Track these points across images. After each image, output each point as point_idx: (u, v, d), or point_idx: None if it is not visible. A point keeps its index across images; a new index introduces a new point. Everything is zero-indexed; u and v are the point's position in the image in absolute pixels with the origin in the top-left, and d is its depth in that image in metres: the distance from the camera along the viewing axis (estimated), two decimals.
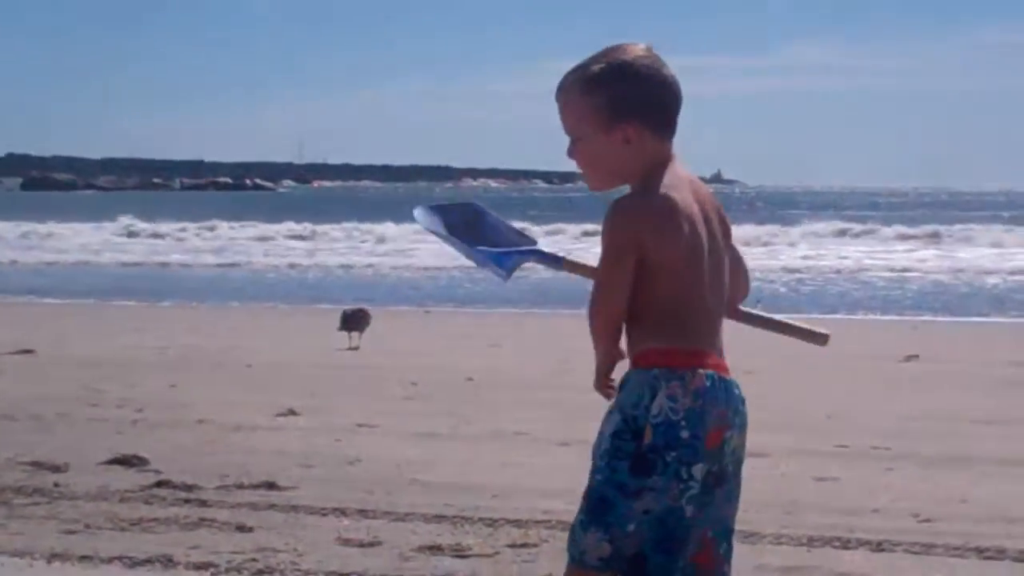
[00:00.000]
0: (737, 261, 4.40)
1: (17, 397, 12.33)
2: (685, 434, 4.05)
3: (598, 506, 4.08)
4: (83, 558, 7.00)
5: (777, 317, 4.74)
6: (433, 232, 4.62)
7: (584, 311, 4.24)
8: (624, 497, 4.04)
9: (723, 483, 4.16)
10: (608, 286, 4.15)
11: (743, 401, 4.25)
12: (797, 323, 4.73)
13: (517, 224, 4.90)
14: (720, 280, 4.27)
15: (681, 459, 4.04)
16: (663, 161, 4.20)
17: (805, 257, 41.83)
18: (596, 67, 4.18)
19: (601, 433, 4.15)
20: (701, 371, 4.12)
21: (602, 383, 4.24)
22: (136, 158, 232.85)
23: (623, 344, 4.21)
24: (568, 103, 4.23)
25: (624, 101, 4.15)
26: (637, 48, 4.21)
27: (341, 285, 32.51)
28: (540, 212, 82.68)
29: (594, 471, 4.13)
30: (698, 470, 4.06)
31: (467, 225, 4.64)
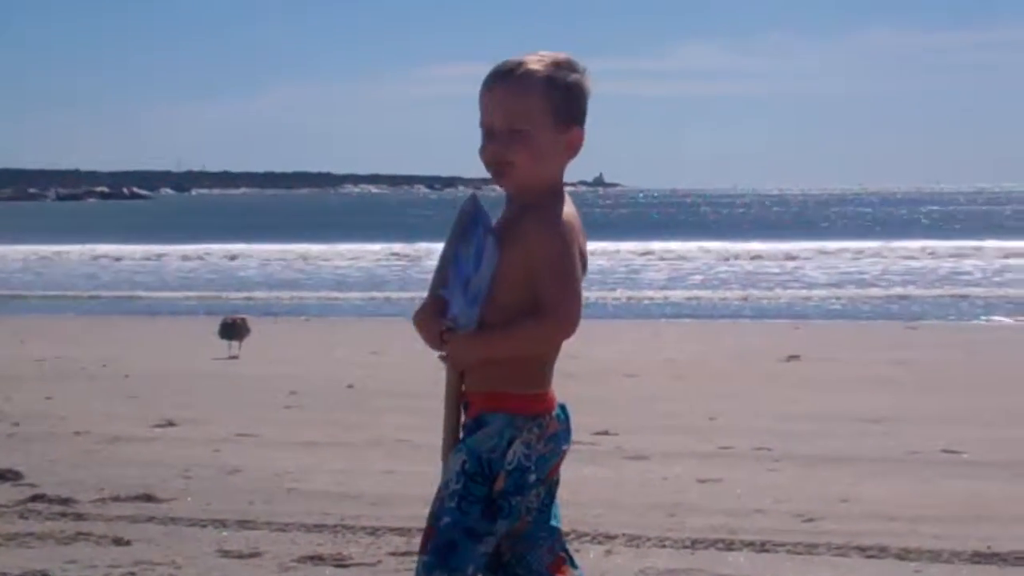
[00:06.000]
0: None
1: None
2: (532, 478, 4.07)
3: (444, 549, 4.04)
4: None
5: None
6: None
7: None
8: (471, 541, 4.03)
9: (548, 504, 4.19)
10: (577, 294, 4.01)
11: (569, 419, 4.23)
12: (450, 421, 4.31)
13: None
14: None
15: (524, 503, 4.08)
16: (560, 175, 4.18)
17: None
18: (557, 66, 4.11)
19: (449, 469, 4.10)
20: (553, 413, 4.11)
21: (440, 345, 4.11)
22: (8, 168, 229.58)
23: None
24: (520, 93, 4.06)
25: (579, 108, 4.13)
26: (582, 64, 4.19)
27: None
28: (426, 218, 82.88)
29: (441, 511, 4.07)
30: (532, 502, 4.10)
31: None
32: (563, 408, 4.18)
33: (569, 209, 4.07)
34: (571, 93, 4.10)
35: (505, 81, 4.09)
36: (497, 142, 4.08)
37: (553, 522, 4.21)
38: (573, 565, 4.25)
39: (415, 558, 7.01)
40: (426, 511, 8.14)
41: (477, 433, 4.08)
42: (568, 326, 3.96)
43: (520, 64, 4.10)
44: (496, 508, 4.04)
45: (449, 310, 4.10)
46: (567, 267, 3.97)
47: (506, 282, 4.03)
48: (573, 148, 4.12)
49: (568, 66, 4.13)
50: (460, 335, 4.05)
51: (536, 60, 4.11)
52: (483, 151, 4.12)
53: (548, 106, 4.06)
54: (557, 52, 4.17)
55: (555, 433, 4.10)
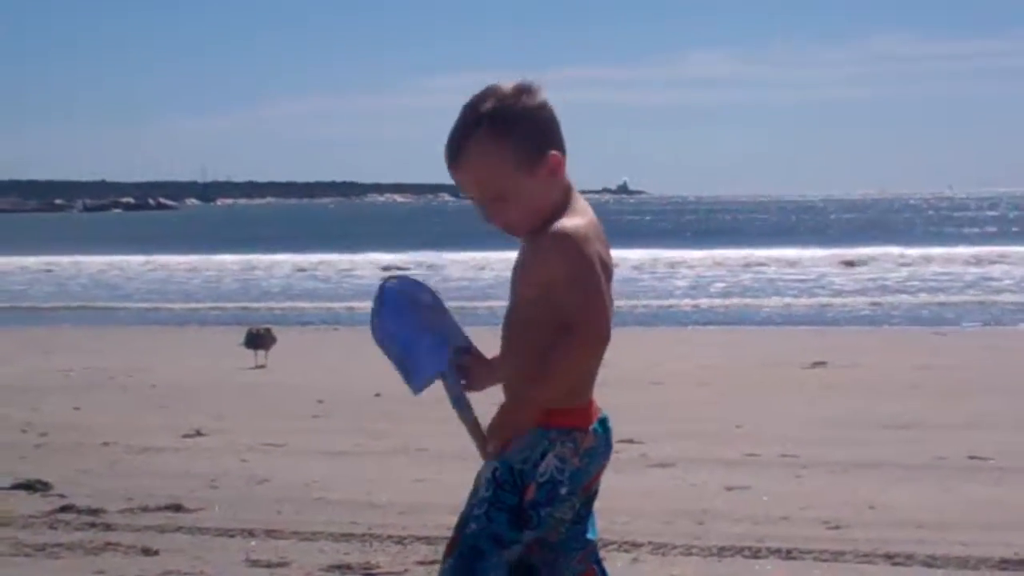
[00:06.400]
0: None
1: None
2: (564, 491, 4.04)
3: (470, 555, 4.04)
4: None
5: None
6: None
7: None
8: (497, 548, 4.03)
9: (585, 516, 4.18)
10: (593, 319, 3.91)
11: (610, 432, 4.21)
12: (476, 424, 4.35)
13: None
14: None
15: (554, 513, 4.05)
16: (569, 185, 4.10)
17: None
18: (494, 113, 3.99)
19: (480, 476, 4.10)
20: (591, 428, 4.08)
21: (501, 445, 4.06)
22: (36, 180, 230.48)
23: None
24: (477, 163, 3.99)
25: (540, 134, 4.02)
26: (510, 84, 4.06)
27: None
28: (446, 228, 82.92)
29: (469, 517, 4.08)
30: (566, 514, 4.08)
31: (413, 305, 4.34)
32: (603, 421, 4.15)
33: (581, 220, 3.99)
34: (523, 130, 3.99)
35: (457, 162, 4.03)
36: (489, 211, 4.07)
37: (588, 535, 4.19)
38: None
39: None
40: (453, 519, 8.18)
41: (513, 443, 4.05)
42: (596, 339, 3.91)
43: (462, 135, 4.01)
44: (525, 518, 4.03)
45: (415, 382, 4.22)
46: (584, 281, 3.91)
47: (524, 299, 4.03)
48: (555, 172, 4.02)
49: (512, 99, 4.01)
50: (501, 412, 4.05)
51: (476, 116, 4.00)
52: (483, 219, 4.12)
53: (508, 161, 3.98)
54: (500, 84, 4.05)
55: (591, 448, 4.08)
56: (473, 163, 4.00)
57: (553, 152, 4.02)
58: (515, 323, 4.08)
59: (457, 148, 4.02)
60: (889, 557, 7.14)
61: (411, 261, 46.95)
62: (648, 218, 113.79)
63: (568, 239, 3.93)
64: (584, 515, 4.15)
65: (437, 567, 7.03)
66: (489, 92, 4.03)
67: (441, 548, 7.41)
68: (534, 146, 3.99)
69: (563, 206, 4.02)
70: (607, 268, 4.03)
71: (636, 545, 7.43)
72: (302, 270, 44.66)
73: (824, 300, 31.01)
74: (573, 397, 4.04)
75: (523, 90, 4.03)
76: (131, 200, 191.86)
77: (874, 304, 29.75)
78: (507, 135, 3.97)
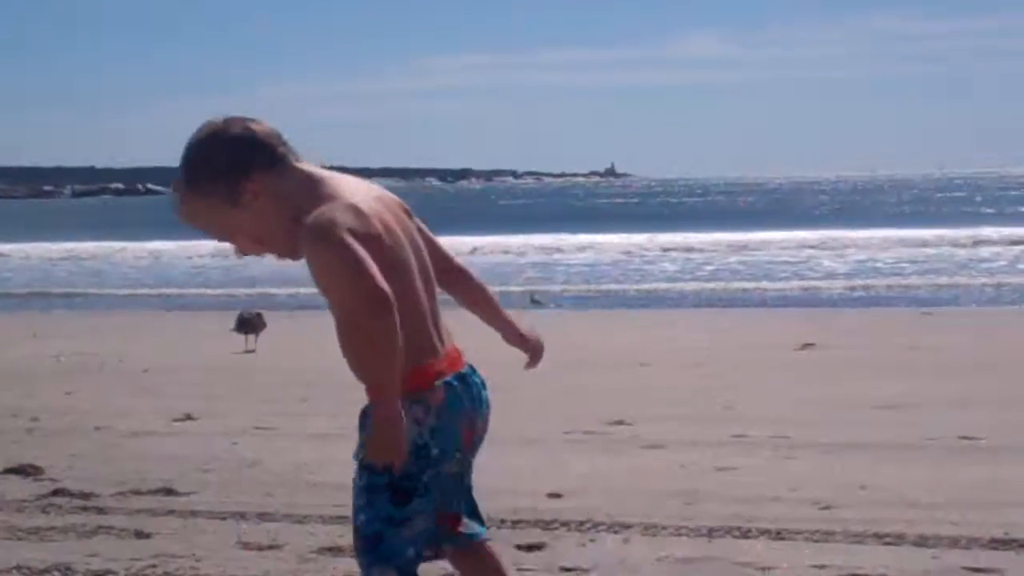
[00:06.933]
0: (431, 242, 4.29)
1: None
2: (435, 451, 4.04)
3: (373, 543, 4.06)
4: None
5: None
6: None
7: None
8: (395, 527, 4.04)
9: (468, 466, 4.25)
10: (363, 283, 3.82)
11: (484, 384, 4.23)
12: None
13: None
14: (428, 275, 4.16)
15: (440, 472, 4.07)
16: (312, 180, 4.06)
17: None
18: (183, 168, 4.07)
19: (356, 470, 4.13)
20: (438, 384, 4.05)
21: (399, 449, 3.95)
22: (25, 166, 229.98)
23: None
24: (192, 214, 4.09)
25: (223, 169, 4.01)
26: (204, 126, 4.10)
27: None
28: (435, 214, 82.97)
29: (356, 511, 4.10)
30: (451, 471, 4.12)
31: None
32: (462, 376, 4.13)
33: (325, 206, 3.93)
34: (209, 173, 4.02)
35: (179, 215, 4.13)
36: (240, 253, 4.16)
37: (463, 489, 4.29)
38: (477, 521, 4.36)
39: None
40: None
41: (367, 425, 4.02)
42: (375, 299, 3.80)
43: (174, 191, 4.12)
44: (407, 490, 4.02)
45: None
46: (340, 255, 3.84)
47: (332, 304, 3.98)
48: (259, 193, 4.01)
49: (193, 149, 4.07)
50: (375, 424, 3.95)
51: (180, 170, 4.09)
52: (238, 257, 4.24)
53: (211, 202, 4.04)
54: (202, 126, 4.10)
55: (444, 402, 4.04)
56: (187, 214, 4.11)
57: (249, 179, 4.01)
58: (338, 330, 4.00)
59: (177, 205, 4.13)
60: (879, 537, 7.16)
61: None
62: (635, 200, 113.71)
63: (309, 230, 3.89)
64: (470, 461, 4.24)
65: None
66: (187, 143, 4.11)
67: None
68: (227, 181, 4.01)
69: (307, 208, 3.96)
70: (389, 230, 4.00)
71: (626, 526, 7.44)
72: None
73: (812, 283, 31.05)
74: (407, 361, 3.95)
75: (208, 132, 4.08)
76: (120, 186, 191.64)
77: (862, 286, 29.80)
78: (198, 184, 4.04)
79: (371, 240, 3.91)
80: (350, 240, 3.85)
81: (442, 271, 4.31)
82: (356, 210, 3.95)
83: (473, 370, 4.19)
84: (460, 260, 4.47)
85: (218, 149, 4.02)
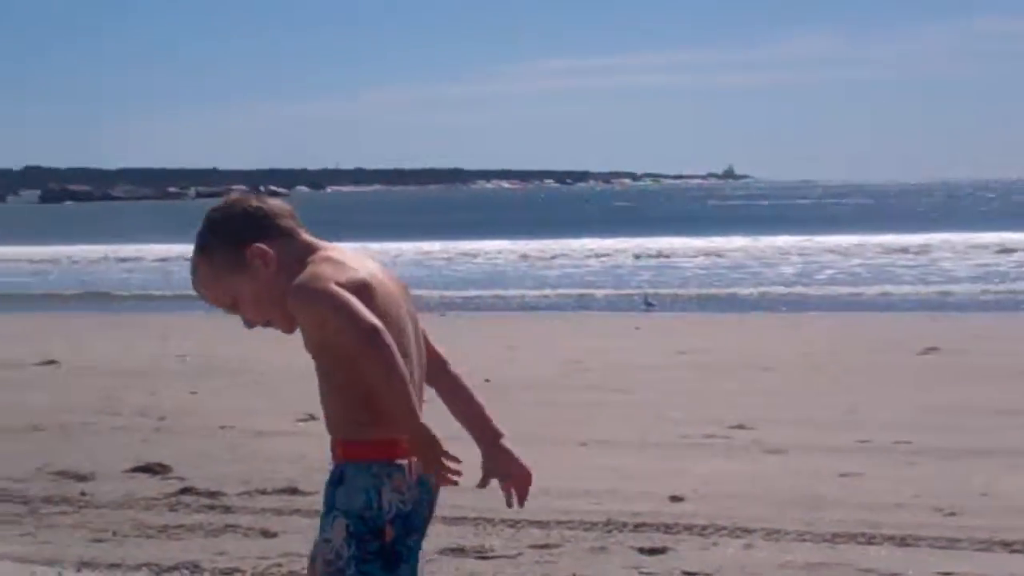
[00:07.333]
0: (422, 333, 4.29)
1: (42, 407, 12.40)
2: (417, 520, 4.06)
3: None
4: (111, 566, 7.04)
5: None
6: None
7: None
8: None
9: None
10: (339, 308, 3.89)
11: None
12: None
13: None
14: (421, 349, 4.20)
15: (420, 537, 4.08)
16: (309, 251, 4.14)
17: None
18: (198, 237, 4.22)
19: (329, 541, 4.03)
20: (413, 460, 4.02)
21: (445, 460, 4.00)
22: (150, 168, 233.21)
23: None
24: (204, 285, 4.22)
25: (232, 235, 4.16)
26: (219, 203, 4.27)
27: None
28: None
29: None
30: (423, 528, 4.12)
31: None
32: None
33: (310, 269, 4.02)
34: (219, 239, 4.17)
35: (195, 287, 4.25)
36: (248, 323, 4.21)
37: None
38: None
39: (554, 550, 7.17)
40: (565, 503, 8.27)
41: (340, 492, 4.03)
42: (367, 338, 3.85)
43: (191, 263, 4.25)
44: (394, 555, 4.01)
45: None
46: (328, 307, 3.91)
47: (322, 363, 4.06)
48: (264, 256, 4.11)
49: (207, 220, 4.24)
50: (413, 445, 3.96)
51: (196, 241, 4.23)
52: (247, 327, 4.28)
53: (220, 273, 4.16)
54: (218, 204, 4.28)
55: (420, 475, 4.05)
56: (201, 285, 4.24)
57: (254, 245, 4.12)
58: (321, 386, 4.12)
59: (192, 273, 4.26)
60: (1006, 544, 7.11)
61: (521, 248, 47.06)
62: (762, 203, 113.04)
63: (293, 291, 3.97)
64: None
65: (549, 551, 7.15)
66: (215, 209, 4.28)
67: (553, 531, 7.53)
68: (233, 248, 4.15)
69: (295, 272, 4.05)
70: (363, 284, 4.01)
71: (748, 531, 7.45)
72: (399, 258, 44.85)
73: (936, 287, 30.72)
74: (390, 426, 3.97)
75: (219, 207, 4.26)
76: (243, 187, 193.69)
77: (989, 291, 29.46)
78: (210, 251, 4.19)
79: (360, 289, 3.98)
80: (336, 288, 3.93)
81: (431, 362, 4.34)
82: (339, 264, 4.05)
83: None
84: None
85: (232, 218, 4.21)
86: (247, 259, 4.13)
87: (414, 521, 4.07)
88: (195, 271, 4.24)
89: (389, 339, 3.88)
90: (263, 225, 4.19)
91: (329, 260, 4.08)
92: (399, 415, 3.91)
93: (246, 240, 4.14)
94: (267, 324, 4.22)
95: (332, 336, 3.95)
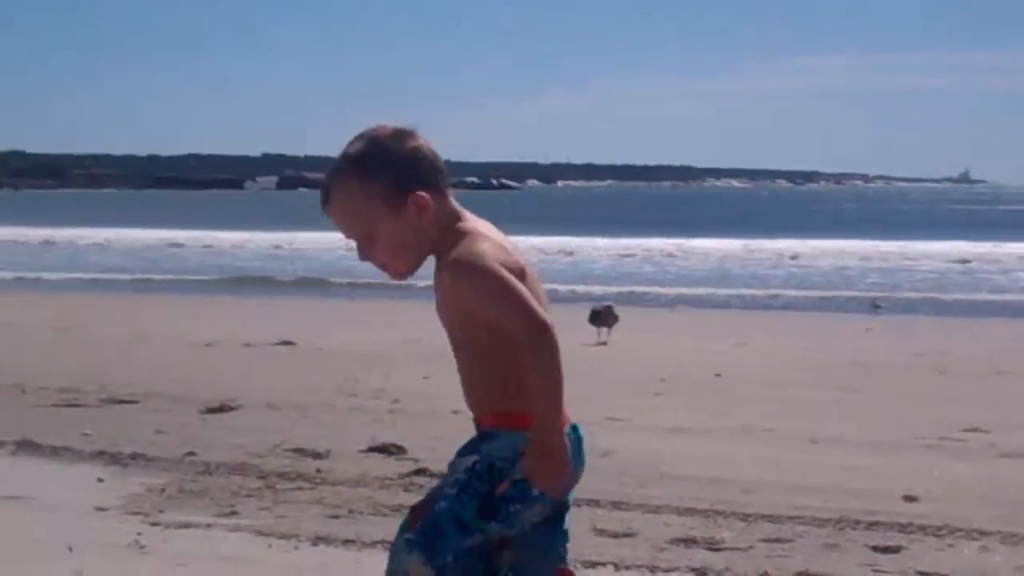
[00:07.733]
0: None
1: (280, 387, 12.72)
2: (535, 492, 3.98)
3: (431, 531, 4.00)
4: (347, 542, 7.19)
5: None
6: None
7: None
8: (458, 532, 3.98)
9: (557, 519, 4.12)
10: (522, 302, 3.87)
11: (582, 441, 4.16)
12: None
13: None
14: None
15: (524, 511, 4.00)
16: (458, 217, 4.09)
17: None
18: (358, 156, 4.06)
19: (455, 465, 4.07)
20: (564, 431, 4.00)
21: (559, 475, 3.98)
22: None
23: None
24: (342, 204, 4.08)
25: (403, 174, 4.04)
26: (383, 128, 4.11)
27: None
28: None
29: (440, 495, 4.04)
30: (535, 515, 4.03)
31: None
32: (575, 428, 4.12)
33: (475, 244, 3.98)
34: (387, 172, 4.04)
35: (328, 202, 4.10)
36: (360, 250, 4.10)
37: (560, 537, 4.17)
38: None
39: (786, 545, 7.14)
40: (797, 499, 8.23)
41: (491, 442, 4.02)
42: (537, 334, 3.85)
43: (331, 177, 4.08)
44: (494, 509, 3.99)
45: None
46: (499, 287, 3.88)
47: (462, 336, 4.05)
48: (424, 209, 4.03)
49: (378, 142, 4.07)
50: (537, 448, 3.93)
51: (344, 159, 4.07)
52: (361, 259, 4.15)
53: (371, 201, 4.03)
54: (376, 128, 4.11)
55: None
56: (339, 205, 4.08)
57: (418, 192, 4.03)
58: (469, 360, 4.08)
59: (326, 189, 4.11)
60: None
61: (750, 247, 46.80)
62: (1001, 208, 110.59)
63: (461, 264, 3.92)
64: (555, 519, 4.12)
65: (781, 545, 7.14)
66: (361, 135, 4.10)
67: (785, 527, 7.51)
68: (398, 187, 4.03)
69: (450, 239, 4.02)
70: (521, 271, 4.01)
71: (984, 533, 7.35)
72: (630, 255, 44.81)
73: None
74: (519, 401, 3.97)
75: (391, 134, 4.09)
76: (475, 180, 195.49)
77: None
78: (370, 177, 4.03)
79: (520, 274, 3.97)
80: (507, 273, 3.91)
81: None
82: (500, 246, 4.03)
83: (576, 428, 4.16)
84: None
85: (412, 155, 4.10)
86: (406, 203, 4.04)
87: (530, 493, 3.98)
88: (336, 194, 4.08)
89: (556, 338, 3.88)
90: (429, 175, 4.09)
91: (485, 237, 4.03)
92: (542, 415, 3.91)
93: (411, 186, 4.05)
94: (383, 266, 4.14)
95: (491, 316, 3.92)
